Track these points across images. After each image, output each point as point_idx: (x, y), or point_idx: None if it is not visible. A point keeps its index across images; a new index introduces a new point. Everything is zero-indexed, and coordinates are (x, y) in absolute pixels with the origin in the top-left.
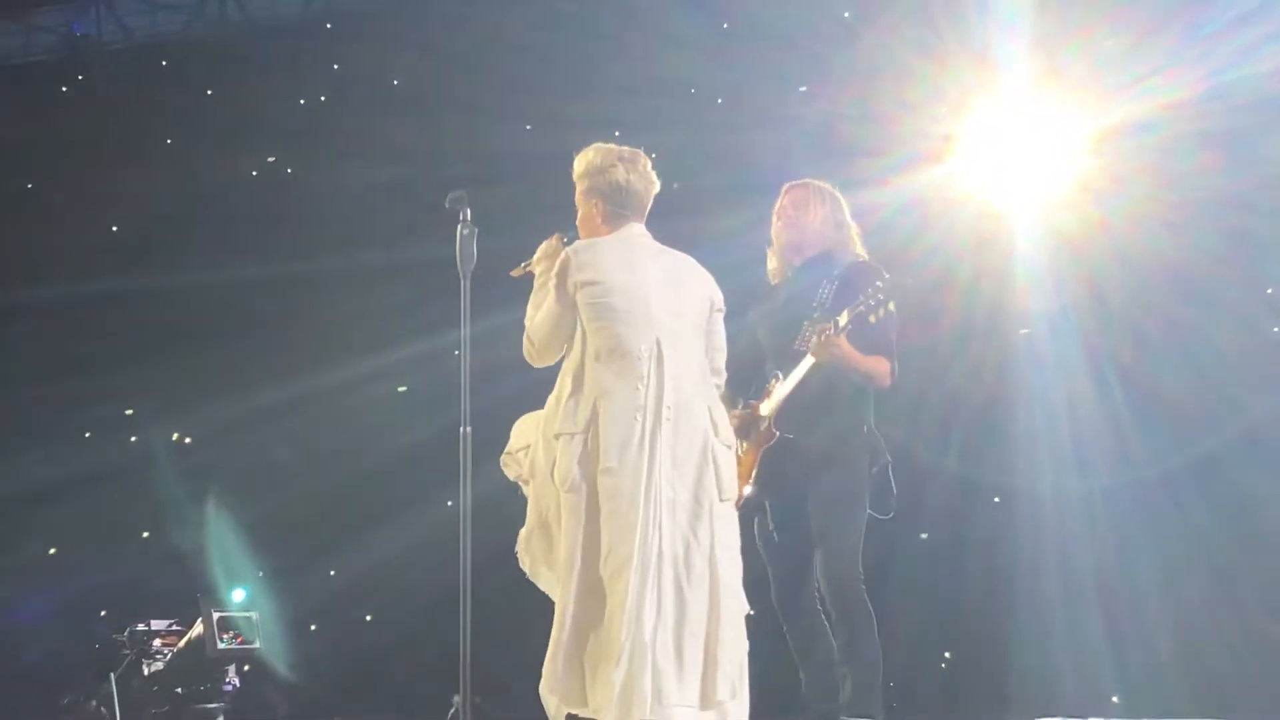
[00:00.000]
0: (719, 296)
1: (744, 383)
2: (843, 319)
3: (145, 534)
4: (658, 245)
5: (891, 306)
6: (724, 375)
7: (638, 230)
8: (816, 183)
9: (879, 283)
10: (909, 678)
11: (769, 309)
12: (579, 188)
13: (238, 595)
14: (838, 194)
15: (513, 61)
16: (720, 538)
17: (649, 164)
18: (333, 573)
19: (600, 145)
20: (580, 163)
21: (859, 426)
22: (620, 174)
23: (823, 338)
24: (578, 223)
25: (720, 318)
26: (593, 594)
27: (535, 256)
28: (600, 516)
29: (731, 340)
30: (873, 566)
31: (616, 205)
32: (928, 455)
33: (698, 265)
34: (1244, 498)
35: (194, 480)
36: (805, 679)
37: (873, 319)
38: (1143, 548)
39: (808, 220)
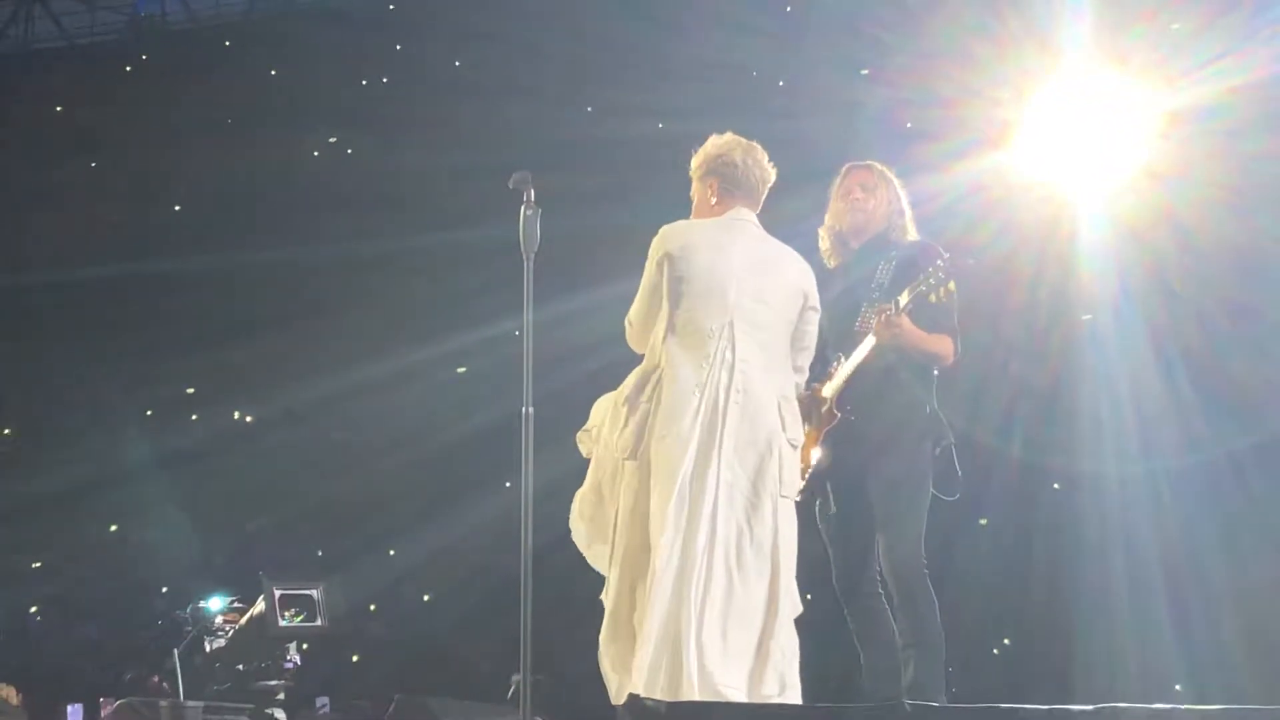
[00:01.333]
0: (815, 294)
1: (810, 370)
2: (904, 298)
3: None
4: (761, 232)
5: (952, 286)
6: (805, 374)
7: (745, 214)
8: (879, 165)
9: (939, 262)
10: (970, 662)
11: (829, 294)
12: (695, 176)
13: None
14: (894, 176)
15: (574, 46)
16: (783, 532)
17: (766, 157)
18: (392, 552)
19: (717, 136)
20: (699, 155)
21: (921, 408)
22: (738, 155)
23: (884, 318)
24: (693, 208)
25: (814, 316)
26: (639, 564)
27: None
28: (651, 485)
29: None
30: (933, 551)
31: (729, 184)
32: (990, 440)
33: (799, 259)
34: None
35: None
36: (865, 662)
37: (933, 298)
38: (1208, 531)
39: (874, 203)
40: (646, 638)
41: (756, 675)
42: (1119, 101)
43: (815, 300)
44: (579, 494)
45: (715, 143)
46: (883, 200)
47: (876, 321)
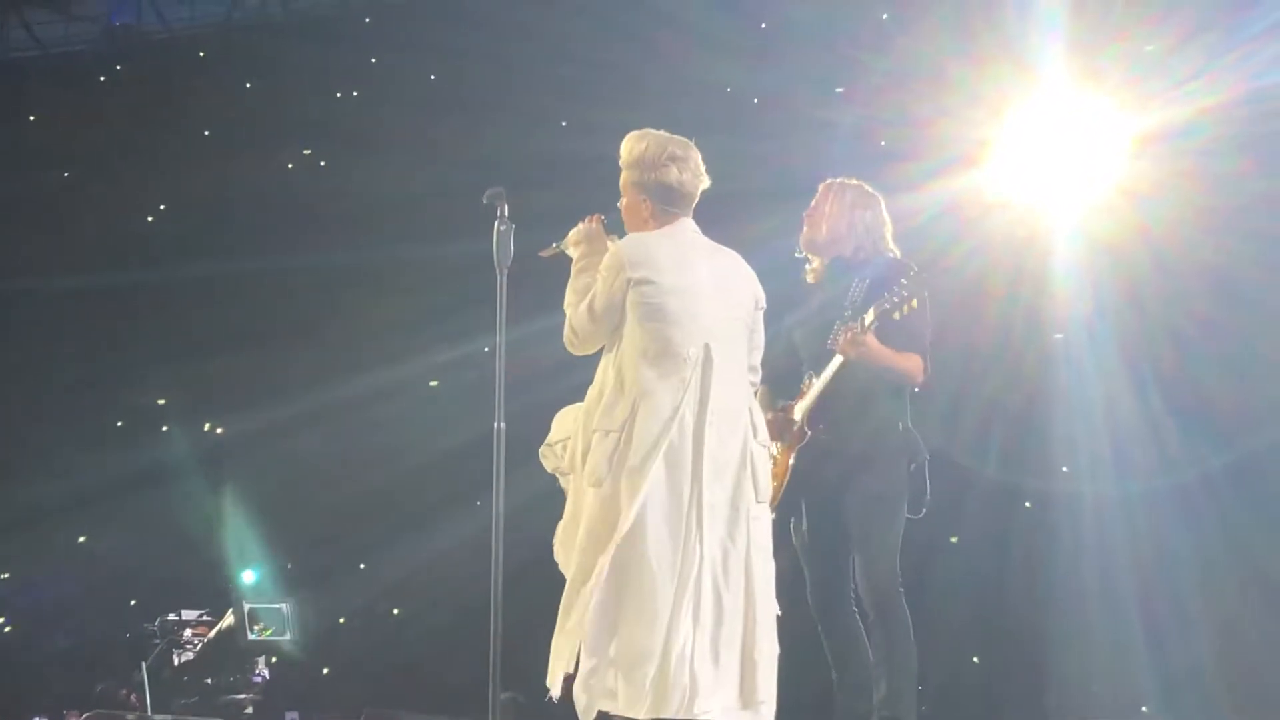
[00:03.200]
0: (762, 295)
1: (782, 385)
2: (869, 316)
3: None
4: (708, 243)
5: (915, 303)
6: (759, 373)
7: (689, 226)
8: (848, 181)
9: (904, 279)
10: (942, 681)
11: (804, 312)
12: (626, 175)
13: (248, 576)
14: (871, 192)
15: (548, 61)
16: (755, 540)
17: (699, 159)
18: (363, 566)
19: (652, 134)
20: (630, 149)
21: (895, 425)
22: (673, 174)
23: (850, 335)
24: (621, 208)
25: (761, 315)
26: (615, 592)
27: (570, 238)
28: (620, 513)
29: (769, 344)
30: (905, 568)
31: (665, 203)
32: (963, 458)
33: (743, 262)
34: None
35: (227, 477)
36: (839, 679)
37: (897, 315)
38: (1181, 553)
39: (816, 219)
40: (633, 660)
41: (748, 688)
42: (1093, 121)
43: (762, 299)
44: (561, 524)
45: (646, 150)
46: (824, 215)
47: (842, 339)
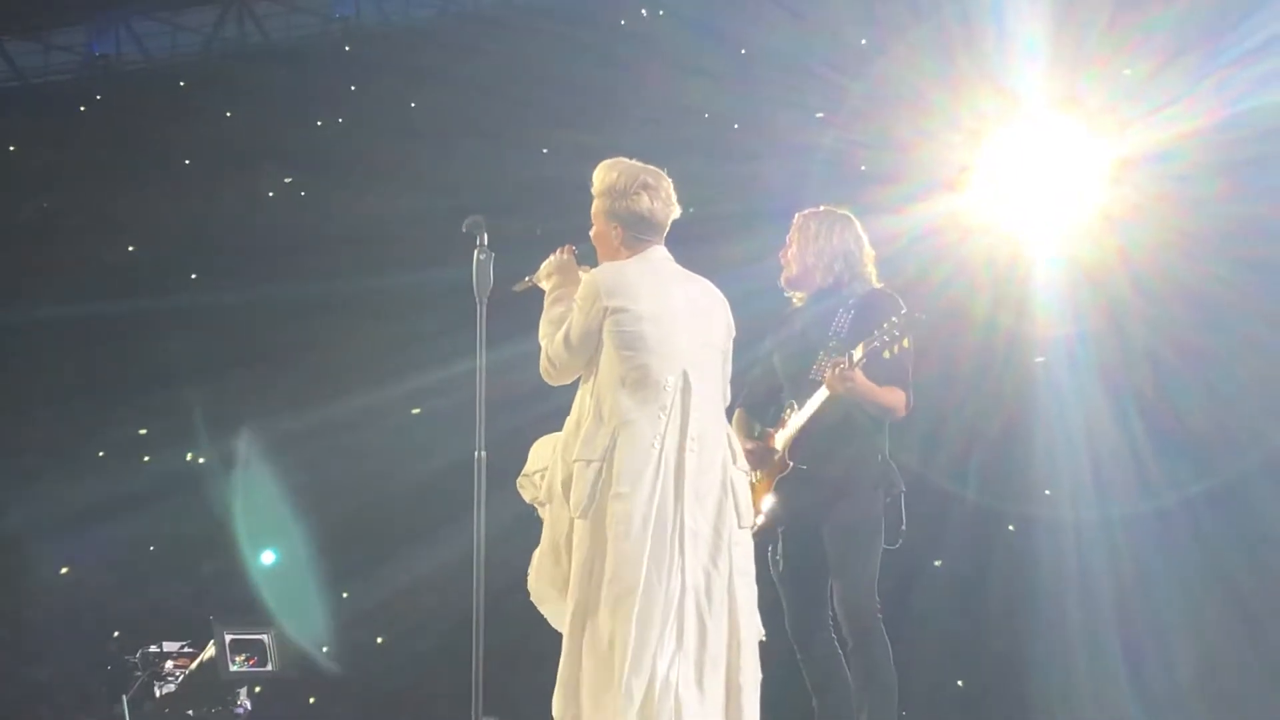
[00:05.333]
0: (733, 322)
1: (761, 410)
2: (857, 353)
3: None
4: (681, 270)
5: (906, 343)
6: (729, 398)
7: (661, 254)
8: (814, 211)
9: (895, 318)
10: (924, 705)
11: (785, 336)
12: (598, 204)
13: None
14: (843, 214)
15: (528, 88)
16: (738, 564)
17: (671, 187)
18: (345, 595)
19: (623, 163)
20: (602, 178)
21: (874, 456)
22: (644, 203)
23: (837, 371)
24: (593, 237)
25: (731, 343)
26: (602, 621)
27: (542, 270)
28: (608, 543)
29: (748, 367)
30: (887, 593)
31: (637, 232)
32: (944, 483)
33: (716, 290)
34: (1264, 526)
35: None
36: (819, 706)
37: (887, 354)
38: (1161, 575)
39: (790, 255)
40: (607, 687)
41: (733, 713)
42: (1072, 146)
43: (734, 327)
44: (537, 553)
45: (617, 179)
46: (798, 250)
47: (830, 375)
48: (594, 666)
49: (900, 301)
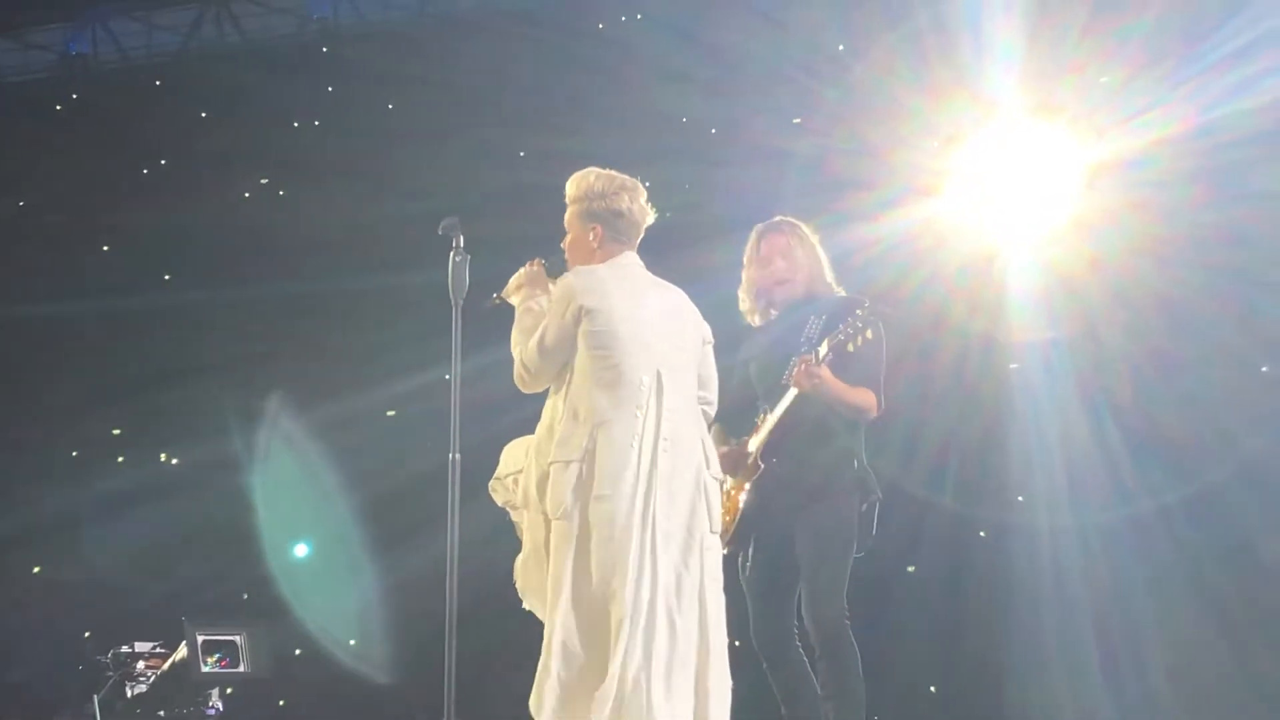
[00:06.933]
0: (708, 331)
1: (737, 420)
2: (823, 349)
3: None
4: (654, 278)
5: (869, 334)
6: (715, 406)
7: (633, 259)
8: (791, 221)
9: (859, 310)
10: (896, 711)
11: (760, 347)
12: (573, 210)
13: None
14: (806, 226)
15: (505, 91)
16: (709, 569)
17: (645, 195)
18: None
19: (599, 170)
20: (578, 185)
21: (850, 461)
22: (624, 202)
23: (804, 367)
24: (566, 245)
25: (710, 350)
26: (582, 621)
27: (511, 284)
28: (591, 544)
29: (724, 377)
30: (860, 599)
31: (615, 232)
32: (918, 489)
33: (688, 299)
34: (1238, 532)
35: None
36: (787, 713)
37: (850, 347)
38: (1135, 581)
39: (796, 268)
40: (589, 687)
41: (702, 709)
42: (1048, 152)
43: (709, 334)
44: (519, 559)
45: (595, 183)
46: (803, 263)
47: (797, 371)
48: (585, 666)
49: (865, 300)
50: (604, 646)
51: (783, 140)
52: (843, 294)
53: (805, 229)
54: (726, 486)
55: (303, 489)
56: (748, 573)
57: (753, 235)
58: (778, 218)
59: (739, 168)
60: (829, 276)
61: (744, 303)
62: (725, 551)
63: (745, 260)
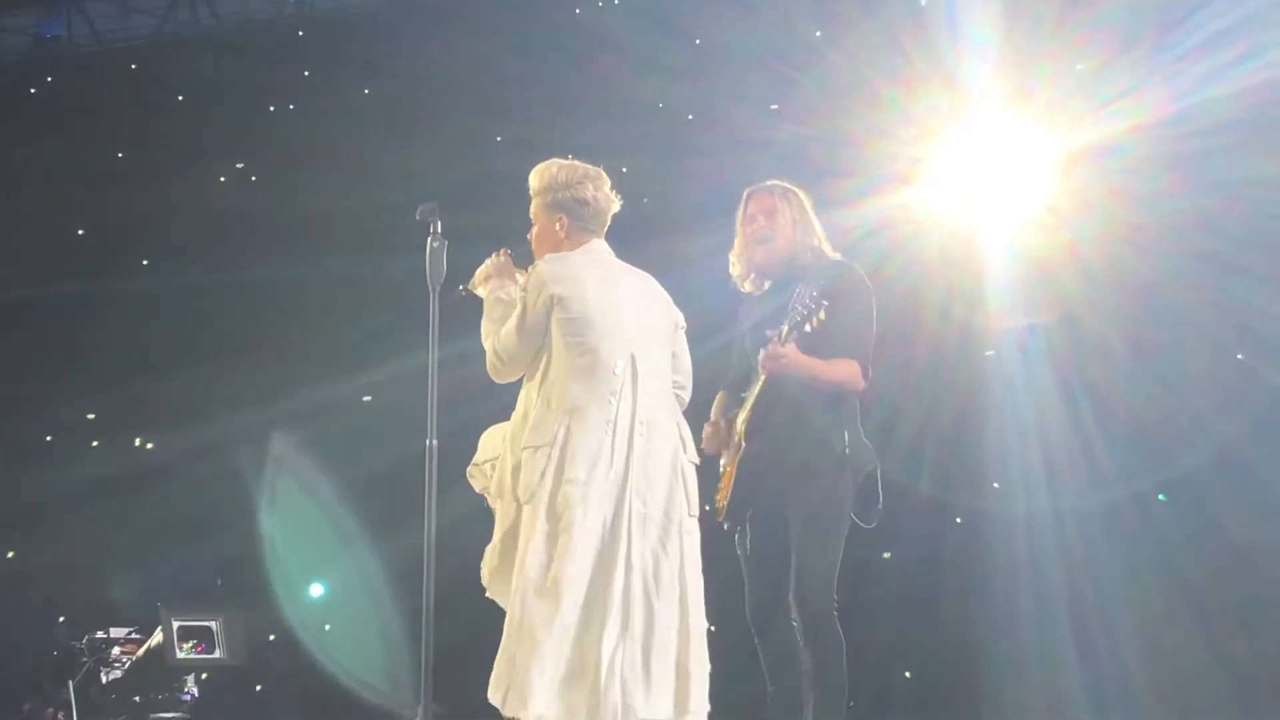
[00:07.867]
0: (680, 317)
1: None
2: (784, 330)
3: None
4: (623, 264)
5: (823, 315)
6: (689, 391)
7: (602, 246)
8: (782, 184)
9: (815, 290)
10: (872, 697)
11: (755, 318)
12: (538, 201)
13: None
14: (799, 191)
15: (481, 78)
16: (688, 553)
17: (609, 183)
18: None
19: (561, 160)
20: (541, 177)
21: (836, 438)
22: (588, 190)
23: (769, 350)
24: (532, 236)
25: (683, 335)
26: (548, 606)
27: (478, 275)
28: (559, 527)
29: (724, 351)
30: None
31: (581, 221)
32: (895, 474)
33: (658, 285)
34: (1212, 518)
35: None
36: (772, 691)
37: (807, 328)
38: (1111, 567)
39: (777, 229)
40: (555, 669)
41: (683, 693)
42: (1023, 140)
43: (681, 320)
44: (489, 549)
45: (558, 173)
46: (787, 222)
47: (762, 354)
48: (550, 648)
49: (846, 271)
50: (570, 632)
51: (760, 128)
52: (837, 258)
53: (800, 194)
54: (722, 462)
55: (280, 480)
56: (744, 550)
57: (743, 196)
58: (770, 181)
59: (716, 155)
60: (819, 243)
61: (734, 267)
62: (725, 528)
63: (737, 224)
